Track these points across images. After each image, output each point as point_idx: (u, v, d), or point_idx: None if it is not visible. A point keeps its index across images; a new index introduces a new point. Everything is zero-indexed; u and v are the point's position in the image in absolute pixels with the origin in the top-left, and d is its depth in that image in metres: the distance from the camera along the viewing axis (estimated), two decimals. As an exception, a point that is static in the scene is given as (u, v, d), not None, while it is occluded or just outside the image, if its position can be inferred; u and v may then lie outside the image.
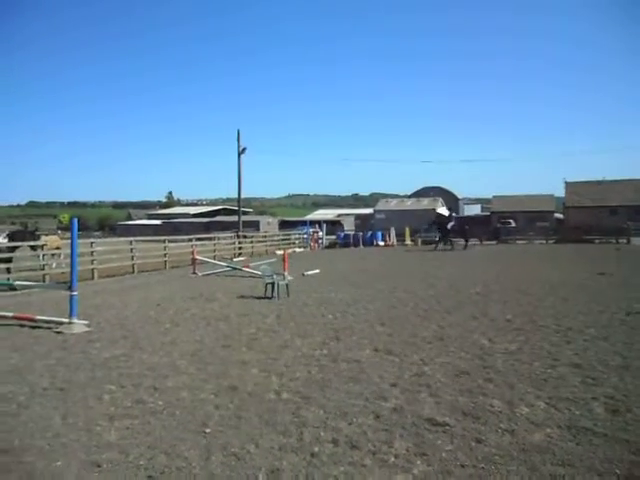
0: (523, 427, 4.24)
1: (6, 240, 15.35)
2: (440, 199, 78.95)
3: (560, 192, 61.62)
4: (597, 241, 33.79)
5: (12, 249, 15.46)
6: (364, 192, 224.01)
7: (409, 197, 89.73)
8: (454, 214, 36.29)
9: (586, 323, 8.28)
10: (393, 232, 36.49)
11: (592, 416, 4.43)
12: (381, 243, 35.88)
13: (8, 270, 15.01)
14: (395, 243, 35.63)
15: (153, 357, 6.69)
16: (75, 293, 8.71)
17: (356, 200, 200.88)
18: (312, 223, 45.75)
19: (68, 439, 4.20)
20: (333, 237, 39.09)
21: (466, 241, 29.86)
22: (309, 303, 10.96)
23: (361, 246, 34.15)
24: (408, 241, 35.21)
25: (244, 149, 32.14)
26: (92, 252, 17.11)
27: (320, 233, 37.10)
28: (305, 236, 35.71)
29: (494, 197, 67.01)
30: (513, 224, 53.18)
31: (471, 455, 3.77)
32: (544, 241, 36.01)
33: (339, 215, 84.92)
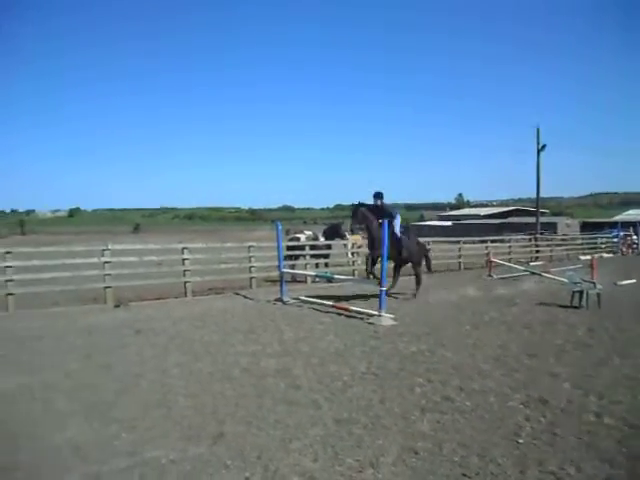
0: None
1: (323, 238, 17.67)
2: None
3: None
4: None
5: (329, 246, 17.81)
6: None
7: None
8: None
9: None
10: None
11: None
12: None
13: (326, 264, 17.42)
14: None
15: (456, 356, 6.81)
16: (384, 289, 9.53)
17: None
18: (623, 225, 39.66)
19: (387, 421, 4.61)
20: (651, 242, 33.12)
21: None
22: (626, 316, 9.55)
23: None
24: None
25: (544, 146, 30.10)
26: (392, 251, 18.37)
27: (634, 237, 31.94)
28: (615, 240, 31.27)
29: None
30: None
31: None
32: None
33: (660, 216, 71.58)
